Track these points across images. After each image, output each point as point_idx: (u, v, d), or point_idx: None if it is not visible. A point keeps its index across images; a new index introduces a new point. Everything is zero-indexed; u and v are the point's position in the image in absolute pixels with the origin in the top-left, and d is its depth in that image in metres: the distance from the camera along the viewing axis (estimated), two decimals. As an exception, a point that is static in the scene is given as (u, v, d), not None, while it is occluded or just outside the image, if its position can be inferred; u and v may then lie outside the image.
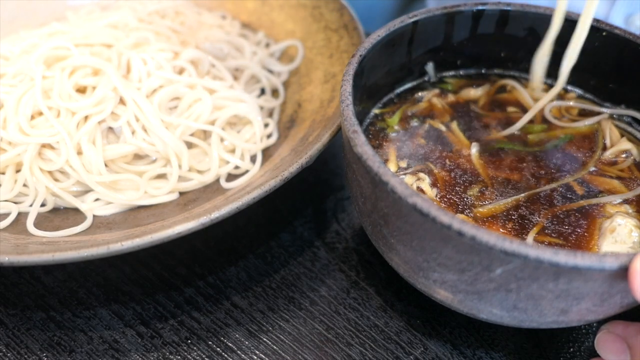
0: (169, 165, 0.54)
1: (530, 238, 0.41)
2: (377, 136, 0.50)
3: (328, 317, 0.51)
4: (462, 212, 0.43)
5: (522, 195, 0.45)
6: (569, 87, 0.55)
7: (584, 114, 0.52)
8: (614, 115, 0.52)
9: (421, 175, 0.46)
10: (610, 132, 0.50)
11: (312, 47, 0.68)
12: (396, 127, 0.51)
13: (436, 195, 0.45)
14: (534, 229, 0.42)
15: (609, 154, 0.48)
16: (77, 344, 0.48)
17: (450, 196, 0.45)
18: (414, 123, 0.51)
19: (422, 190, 0.45)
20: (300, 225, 0.58)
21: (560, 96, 0.54)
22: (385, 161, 0.48)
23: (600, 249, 0.41)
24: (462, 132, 0.50)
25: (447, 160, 0.48)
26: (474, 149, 0.48)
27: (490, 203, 0.44)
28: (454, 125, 0.51)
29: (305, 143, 0.53)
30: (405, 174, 0.46)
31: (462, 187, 0.45)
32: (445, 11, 0.50)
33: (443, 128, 0.51)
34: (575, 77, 0.54)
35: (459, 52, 0.55)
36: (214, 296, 0.52)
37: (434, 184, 0.45)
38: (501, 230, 0.42)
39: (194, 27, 0.69)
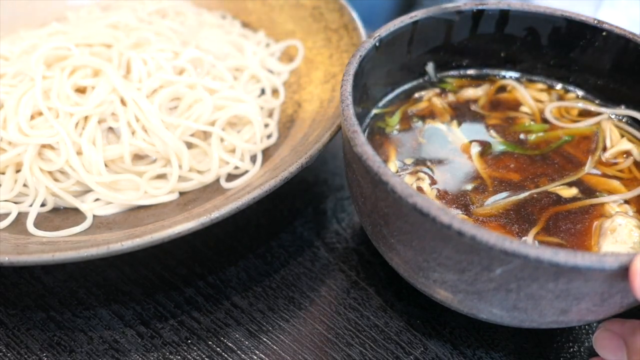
0: (169, 165, 0.54)
1: (530, 238, 0.41)
2: (377, 136, 0.50)
3: (328, 317, 0.51)
4: (461, 212, 0.43)
5: (522, 195, 0.45)
6: (569, 87, 0.55)
7: (584, 114, 0.52)
8: (614, 116, 0.52)
9: (421, 175, 0.46)
10: (610, 132, 0.50)
11: (312, 47, 0.68)
12: (396, 127, 0.51)
13: (436, 195, 0.45)
14: (534, 228, 0.42)
15: (609, 155, 0.48)
16: (77, 344, 0.48)
17: (450, 196, 0.45)
18: (414, 123, 0.51)
19: (421, 190, 0.45)
20: (300, 225, 0.58)
21: (560, 96, 0.54)
22: (385, 161, 0.48)
23: (601, 249, 0.41)
24: (462, 132, 0.50)
25: (447, 160, 0.48)
26: (474, 149, 0.48)
27: (489, 203, 0.44)
28: (454, 125, 0.51)
29: (305, 143, 0.53)
30: (405, 174, 0.46)
31: (462, 186, 0.45)
32: (445, 11, 0.50)
33: (443, 128, 0.51)
34: (576, 77, 0.54)
35: (459, 52, 0.55)
36: (214, 296, 0.52)
37: (433, 184, 0.45)
38: (501, 230, 0.42)
39: (194, 27, 0.69)
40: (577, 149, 0.49)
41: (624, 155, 0.48)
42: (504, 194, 0.45)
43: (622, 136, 0.50)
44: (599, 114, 0.52)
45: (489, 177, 0.46)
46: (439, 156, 0.48)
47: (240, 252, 0.56)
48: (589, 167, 0.47)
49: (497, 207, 0.44)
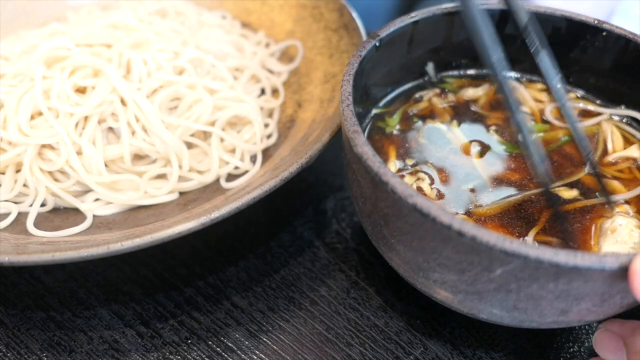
0: (169, 165, 0.54)
1: (530, 238, 0.41)
2: (377, 136, 0.50)
3: (328, 317, 0.51)
4: (461, 212, 0.43)
5: (522, 195, 0.44)
6: (570, 87, 0.55)
7: (584, 114, 0.52)
8: (614, 116, 0.52)
9: (421, 175, 0.46)
10: (612, 134, 0.50)
11: (312, 47, 0.68)
12: (396, 127, 0.51)
13: (436, 195, 0.45)
14: (534, 229, 0.42)
15: (612, 159, 0.48)
16: (77, 344, 0.48)
17: (450, 196, 0.45)
18: (415, 123, 0.51)
19: (421, 190, 0.45)
20: (300, 225, 0.58)
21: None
22: (385, 161, 0.48)
23: (601, 249, 0.41)
24: (462, 132, 0.50)
25: (447, 160, 0.48)
26: (474, 149, 0.48)
27: (489, 203, 0.44)
28: (454, 125, 0.51)
29: (305, 143, 0.53)
30: (405, 174, 0.46)
31: (462, 186, 0.45)
32: (445, 11, 0.50)
33: (443, 128, 0.51)
34: (576, 77, 0.54)
35: (459, 52, 0.55)
36: (214, 296, 0.52)
37: (433, 184, 0.45)
38: (500, 230, 0.42)
39: (194, 27, 0.69)
40: (577, 150, 0.49)
41: (633, 163, 0.48)
42: (504, 194, 0.45)
43: (625, 138, 0.50)
44: (599, 114, 0.52)
45: (488, 177, 0.46)
46: (439, 156, 0.48)
47: (240, 252, 0.56)
48: (588, 168, 0.47)
49: (497, 207, 0.44)
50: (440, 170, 0.47)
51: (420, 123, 0.51)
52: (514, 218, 0.43)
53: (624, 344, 0.40)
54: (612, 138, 0.49)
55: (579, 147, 0.45)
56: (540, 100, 0.54)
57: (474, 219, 0.43)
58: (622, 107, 0.52)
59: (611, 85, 0.52)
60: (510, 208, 0.44)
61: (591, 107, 0.53)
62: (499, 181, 0.46)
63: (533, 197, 0.44)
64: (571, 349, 0.48)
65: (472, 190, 0.45)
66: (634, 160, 0.48)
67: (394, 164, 0.47)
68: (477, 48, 0.41)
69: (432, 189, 0.45)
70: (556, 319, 0.37)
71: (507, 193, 0.45)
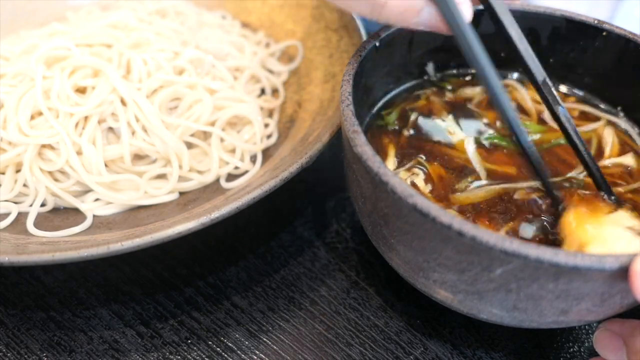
0: (169, 165, 0.54)
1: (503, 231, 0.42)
2: (376, 134, 0.50)
3: (328, 317, 0.51)
4: (444, 200, 0.44)
5: (512, 186, 0.45)
6: (569, 89, 0.55)
7: (583, 117, 0.52)
8: (613, 119, 0.51)
9: (415, 170, 0.46)
10: (612, 140, 0.50)
11: (312, 47, 0.68)
12: (394, 124, 0.51)
13: (430, 191, 0.45)
14: (510, 223, 0.42)
15: (606, 164, 0.48)
16: (77, 344, 0.48)
17: (444, 191, 0.45)
18: (412, 120, 0.51)
19: (415, 186, 0.45)
20: (300, 225, 0.58)
21: (560, 99, 0.54)
22: (384, 159, 0.48)
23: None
24: (459, 128, 0.51)
25: (442, 155, 0.48)
26: (469, 144, 0.49)
27: (480, 194, 0.44)
28: (451, 121, 0.51)
29: (305, 143, 0.53)
30: (400, 170, 0.47)
31: (456, 181, 0.46)
32: (445, 11, 0.50)
33: (440, 124, 0.51)
34: (576, 77, 0.54)
35: (459, 53, 0.55)
36: (214, 296, 0.52)
37: (428, 179, 0.46)
38: (485, 220, 0.42)
39: (194, 27, 0.69)
40: (569, 153, 0.49)
41: (627, 169, 0.48)
42: (497, 187, 0.45)
43: (621, 145, 0.50)
44: (598, 118, 0.52)
45: (484, 170, 0.46)
46: (434, 151, 0.48)
47: (240, 252, 0.56)
48: (577, 171, 0.47)
49: (486, 195, 0.44)
50: (435, 165, 0.47)
51: (417, 120, 0.51)
52: (497, 208, 0.43)
53: (624, 344, 0.40)
54: (610, 144, 0.49)
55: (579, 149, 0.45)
56: (539, 102, 0.53)
57: (459, 208, 0.43)
58: (620, 108, 0.52)
59: (611, 85, 0.52)
60: (493, 198, 0.44)
61: (591, 110, 0.53)
62: (492, 175, 0.46)
63: (521, 188, 0.45)
64: (571, 349, 0.48)
65: (466, 184, 0.45)
66: (626, 167, 0.48)
67: (392, 161, 0.48)
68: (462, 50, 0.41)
69: (426, 184, 0.45)
70: (556, 319, 0.37)
71: (502, 187, 0.45)
